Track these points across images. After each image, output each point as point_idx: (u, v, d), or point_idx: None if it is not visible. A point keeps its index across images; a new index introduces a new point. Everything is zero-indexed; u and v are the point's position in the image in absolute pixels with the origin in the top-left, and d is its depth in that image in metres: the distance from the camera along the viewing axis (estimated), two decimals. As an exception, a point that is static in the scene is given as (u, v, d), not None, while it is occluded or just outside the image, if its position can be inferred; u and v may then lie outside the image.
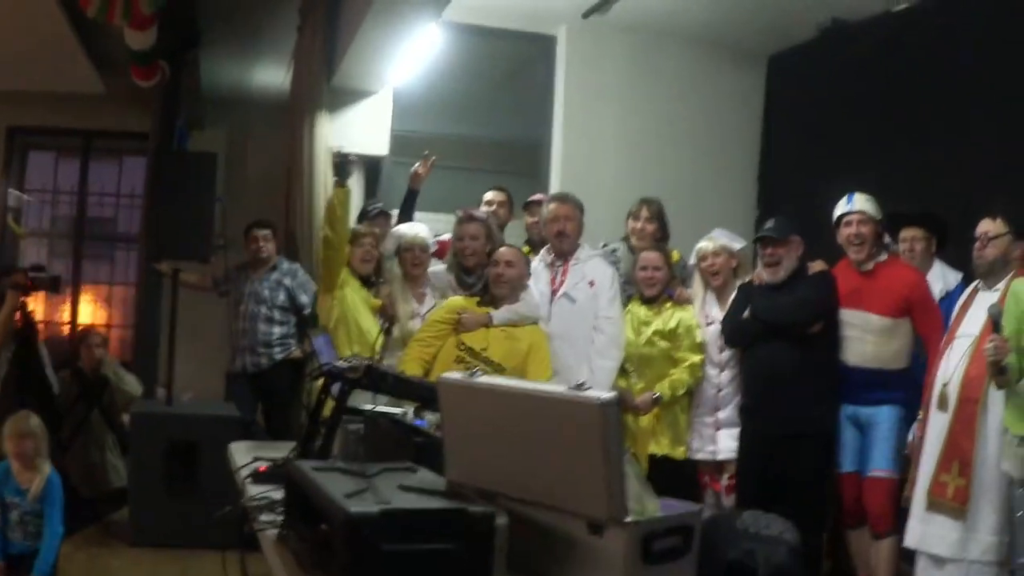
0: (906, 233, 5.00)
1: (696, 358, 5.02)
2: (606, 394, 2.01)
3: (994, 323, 3.85)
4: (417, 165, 6.30)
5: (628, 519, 2.03)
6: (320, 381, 3.23)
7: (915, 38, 6.24)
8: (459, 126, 8.20)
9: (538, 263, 5.25)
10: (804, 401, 4.64)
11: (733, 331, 4.89)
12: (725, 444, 4.96)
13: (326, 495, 2.02)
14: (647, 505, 2.13)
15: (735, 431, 4.94)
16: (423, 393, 3.10)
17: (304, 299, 6.37)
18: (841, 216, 4.81)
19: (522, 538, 2.17)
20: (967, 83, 5.72)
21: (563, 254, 5.24)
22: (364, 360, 3.17)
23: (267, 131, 8.23)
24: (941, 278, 4.97)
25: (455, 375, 2.47)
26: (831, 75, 6.94)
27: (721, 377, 5.04)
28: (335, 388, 3.07)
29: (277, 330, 6.37)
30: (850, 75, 6.74)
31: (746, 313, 4.83)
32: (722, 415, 5.00)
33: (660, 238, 5.48)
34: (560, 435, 2.09)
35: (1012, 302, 3.93)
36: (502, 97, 8.29)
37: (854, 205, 4.77)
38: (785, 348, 4.69)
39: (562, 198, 5.42)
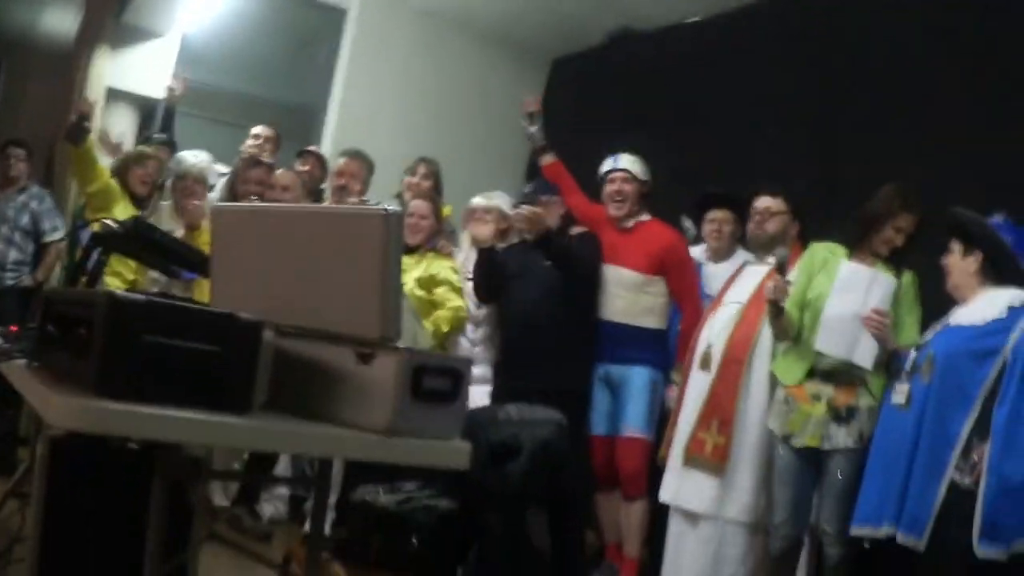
0: (713, 215, 4.93)
1: (457, 302, 4.94)
2: (392, 207, 1.95)
3: (779, 267, 3.97)
4: (172, 81, 6.23)
5: (399, 345, 1.96)
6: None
7: (705, 50, 6.40)
8: (243, 83, 8.06)
9: None
10: (559, 356, 4.60)
11: (491, 284, 4.85)
12: (476, 400, 4.87)
13: (86, 294, 1.85)
14: (420, 344, 2.06)
15: (487, 388, 4.84)
16: (194, 257, 2.94)
17: (46, 226, 6.12)
18: (606, 173, 4.87)
19: (290, 372, 2.06)
20: (753, 96, 5.92)
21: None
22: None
23: (52, 76, 7.85)
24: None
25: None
26: (614, 81, 7.11)
27: (476, 334, 5.00)
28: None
29: (13, 254, 6.05)
30: (634, 82, 6.91)
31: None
32: (476, 371, 4.85)
33: (429, 194, 5.43)
34: (340, 252, 1.99)
35: (807, 257, 4.05)
36: (289, 61, 8.20)
37: (619, 163, 4.84)
38: (543, 303, 4.66)
39: (353, 154, 5.35)
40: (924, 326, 3.86)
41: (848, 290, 3.85)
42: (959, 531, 3.29)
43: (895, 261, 3.94)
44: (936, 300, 3.84)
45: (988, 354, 3.42)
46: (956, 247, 3.72)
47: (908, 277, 3.96)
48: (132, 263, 4.90)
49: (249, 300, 2.11)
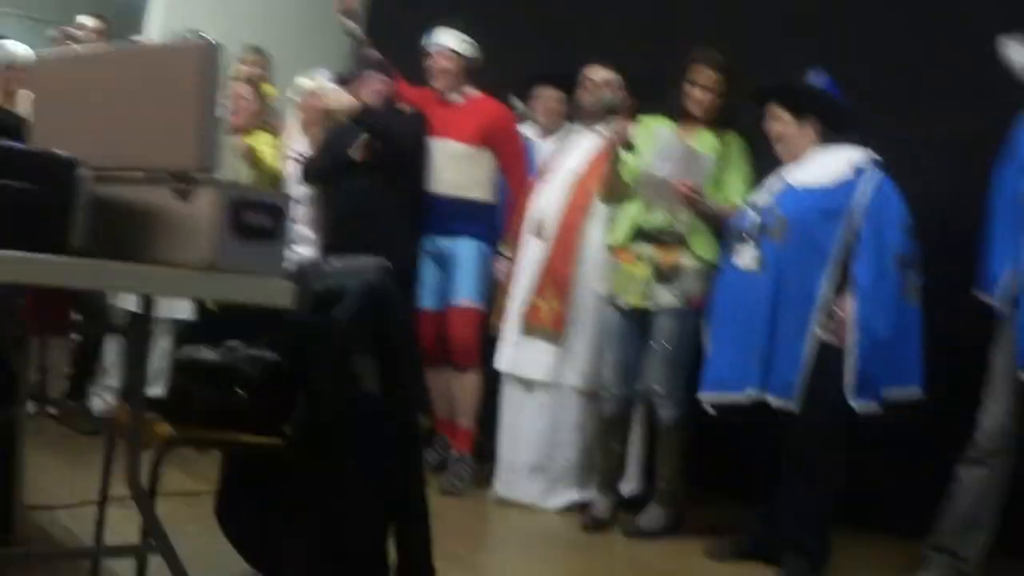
0: (541, 92, 4.92)
1: (276, 164, 4.96)
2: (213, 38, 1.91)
3: (609, 109, 4.02)
4: None
5: (217, 177, 1.95)
6: None
7: None
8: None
9: None
10: (383, 236, 4.49)
11: (316, 165, 4.85)
12: None
13: None
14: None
15: None
16: (12, 120, 2.81)
17: None
18: (430, 47, 4.83)
19: (110, 218, 2.00)
20: None
21: None
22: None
23: None
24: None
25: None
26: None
27: (299, 214, 4.93)
28: None
29: None
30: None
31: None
32: (303, 252, 4.85)
33: (255, 78, 5.38)
34: (158, 88, 1.95)
35: (640, 131, 4.06)
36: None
37: (440, 39, 4.81)
38: (368, 181, 4.62)
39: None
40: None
41: (666, 159, 3.87)
42: (829, 388, 3.41)
43: (717, 123, 4.00)
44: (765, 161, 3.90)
45: (838, 213, 3.48)
46: (784, 115, 3.71)
47: (731, 138, 4.01)
48: None
49: (70, 146, 2.06)
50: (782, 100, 3.73)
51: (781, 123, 3.72)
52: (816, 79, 3.74)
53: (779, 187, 3.66)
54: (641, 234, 3.99)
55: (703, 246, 3.92)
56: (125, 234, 2.03)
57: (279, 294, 2.05)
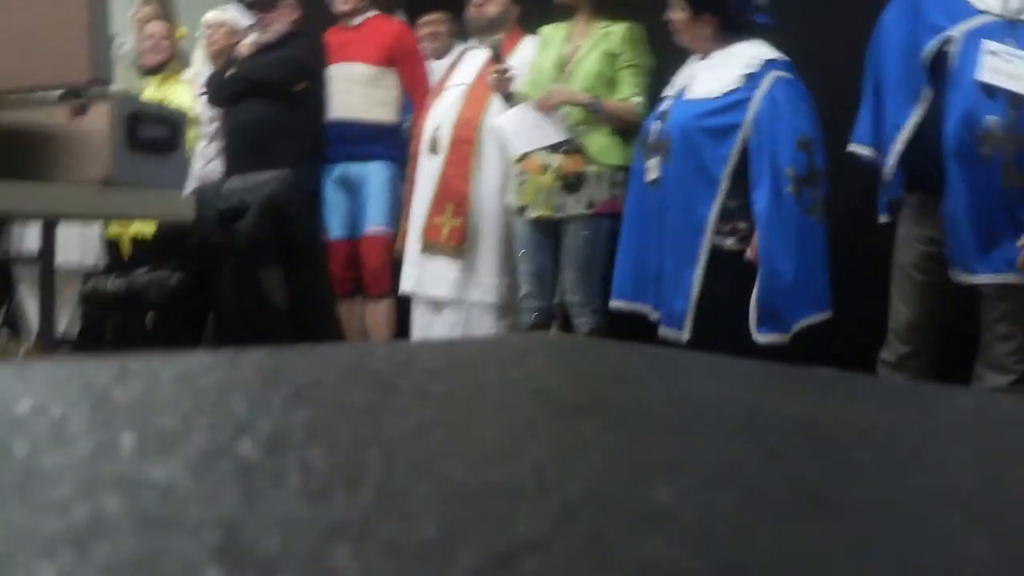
0: (426, 19, 4.81)
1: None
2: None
3: (494, 56, 3.98)
4: None
5: (112, 91, 1.95)
6: None
7: None
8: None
9: None
10: (285, 162, 4.30)
11: (215, 89, 4.76)
12: None
13: None
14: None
15: None
16: None
17: None
18: None
19: (4, 146, 1.98)
20: None
21: None
22: None
23: None
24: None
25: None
26: None
27: (208, 149, 4.88)
28: None
29: None
30: None
31: (230, 72, 4.70)
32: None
33: (165, 16, 5.32)
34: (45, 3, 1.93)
35: (538, 42, 4.04)
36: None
37: None
38: (267, 107, 4.54)
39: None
40: (662, 77, 3.76)
41: (519, 135, 3.89)
42: (724, 317, 3.28)
43: (605, 13, 3.91)
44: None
45: (727, 130, 3.33)
46: (685, 7, 3.52)
47: (623, 28, 3.90)
48: None
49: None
50: None
51: (675, 13, 3.56)
52: None
53: (675, 90, 3.54)
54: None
55: (603, 151, 3.86)
56: (21, 159, 2.01)
57: (180, 207, 2.07)
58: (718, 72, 3.43)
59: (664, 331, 3.43)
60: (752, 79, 3.36)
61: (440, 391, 0.61)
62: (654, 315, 3.52)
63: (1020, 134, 2.75)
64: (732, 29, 3.50)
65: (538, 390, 0.64)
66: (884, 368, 3.13)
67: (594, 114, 3.83)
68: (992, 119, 2.80)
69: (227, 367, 0.62)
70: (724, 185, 3.32)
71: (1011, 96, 2.77)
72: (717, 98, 3.37)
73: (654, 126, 3.52)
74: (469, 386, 0.63)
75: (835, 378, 0.80)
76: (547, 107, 3.85)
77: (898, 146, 3.03)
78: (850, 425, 0.61)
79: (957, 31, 2.89)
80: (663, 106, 3.56)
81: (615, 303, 3.67)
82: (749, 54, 3.43)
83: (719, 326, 3.28)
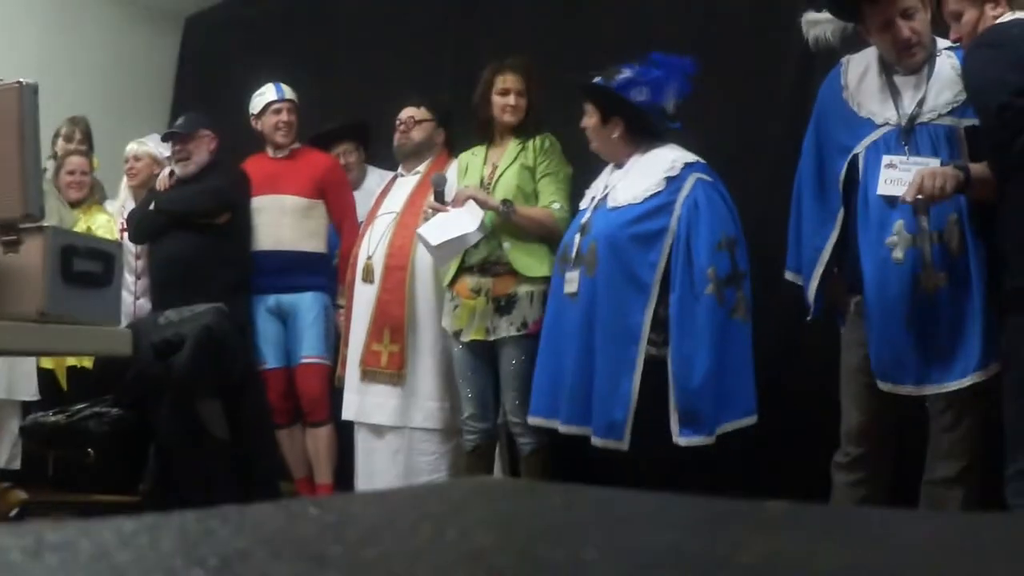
0: (338, 149, 5.02)
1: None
2: (27, 80, 1.89)
3: (437, 195, 3.96)
4: None
5: (45, 224, 1.92)
6: None
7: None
8: None
9: None
10: (214, 294, 4.19)
11: (136, 225, 4.76)
12: None
13: None
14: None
15: None
16: None
17: None
18: (268, 104, 4.83)
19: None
20: (391, 20, 5.94)
21: None
22: None
23: None
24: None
25: None
26: (248, 31, 7.01)
27: (137, 286, 4.90)
28: None
29: None
30: (267, 31, 6.83)
31: (151, 207, 4.70)
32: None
33: (85, 151, 5.30)
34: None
35: (457, 168, 4.13)
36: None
37: (284, 93, 4.84)
38: (192, 240, 4.56)
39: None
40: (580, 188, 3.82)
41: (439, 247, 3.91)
42: (660, 414, 3.26)
43: (524, 130, 3.97)
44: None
45: (654, 236, 3.34)
46: (594, 112, 3.59)
47: (537, 141, 3.96)
48: None
49: None
50: (590, 96, 3.63)
51: (587, 119, 3.62)
52: (631, 74, 3.53)
53: (597, 200, 3.56)
54: (471, 267, 3.94)
55: (529, 266, 3.86)
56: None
57: (117, 341, 2.03)
58: (638, 178, 3.46)
59: (601, 442, 3.37)
60: (673, 182, 3.39)
61: (372, 558, 0.59)
62: (569, 430, 3.47)
63: (931, 230, 2.77)
64: (642, 134, 3.55)
65: (474, 554, 0.61)
66: (837, 470, 3.09)
67: (505, 217, 3.82)
68: (898, 223, 2.85)
69: (147, 537, 0.60)
70: (655, 291, 3.32)
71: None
72: (641, 203, 3.39)
73: (575, 239, 3.52)
74: (403, 552, 0.61)
75: (786, 512, 0.79)
76: (459, 203, 3.87)
77: (818, 268, 3.08)
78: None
79: (861, 147, 2.97)
80: (583, 218, 3.57)
81: (532, 420, 3.64)
82: (668, 158, 3.46)
83: (653, 432, 3.25)
